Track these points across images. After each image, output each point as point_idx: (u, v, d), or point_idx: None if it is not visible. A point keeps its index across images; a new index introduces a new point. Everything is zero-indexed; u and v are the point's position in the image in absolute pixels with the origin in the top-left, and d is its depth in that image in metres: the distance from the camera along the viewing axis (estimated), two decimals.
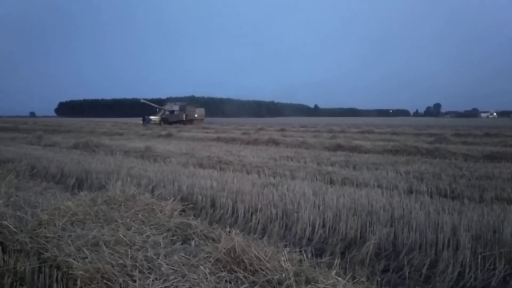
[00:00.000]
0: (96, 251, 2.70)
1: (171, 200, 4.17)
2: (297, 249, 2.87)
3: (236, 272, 2.42)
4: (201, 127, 30.38)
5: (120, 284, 2.31)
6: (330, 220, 3.94)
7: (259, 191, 4.96)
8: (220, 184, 5.42)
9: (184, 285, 2.22)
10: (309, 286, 2.19)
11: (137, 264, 2.48)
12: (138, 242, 2.88)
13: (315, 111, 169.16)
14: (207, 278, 2.29)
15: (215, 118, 67.11)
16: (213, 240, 3.10)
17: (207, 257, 2.61)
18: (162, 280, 2.28)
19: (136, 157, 9.16)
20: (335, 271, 2.37)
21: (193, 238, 3.17)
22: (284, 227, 3.97)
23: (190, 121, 38.64)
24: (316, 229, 3.82)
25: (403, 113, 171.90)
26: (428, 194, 5.19)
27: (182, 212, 4.05)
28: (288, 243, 3.28)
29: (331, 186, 5.45)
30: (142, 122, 36.53)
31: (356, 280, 2.41)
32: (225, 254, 2.56)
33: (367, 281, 2.51)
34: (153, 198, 4.17)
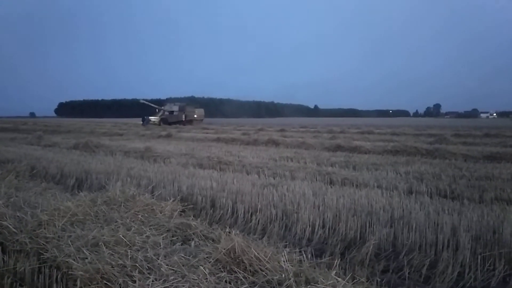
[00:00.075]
0: (96, 251, 2.70)
1: (171, 200, 4.17)
2: (297, 250, 2.87)
3: (236, 272, 2.42)
4: (201, 127, 30.37)
5: (120, 284, 2.31)
6: (330, 220, 3.94)
7: (259, 191, 4.96)
8: (220, 185, 5.42)
9: (184, 286, 2.22)
10: (308, 286, 2.19)
11: (137, 265, 2.48)
12: (138, 243, 2.88)
13: (315, 112, 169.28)
14: (207, 278, 2.29)
15: (215, 119, 67.15)
16: (213, 240, 3.10)
17: (207, 257, 2.61)
18: (162, 280, 2.28)
19: (136, 158, 9.16)
20: (334, 272, 2.37)
21: (193, 239, 3.17)
22: (284, 227, 3.97)
23: (189, 121, 38.65)
24: (316, 230, 3.82)
25: (403, 113, 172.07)
26: (428, 194, 5.19)
27: (182, 213, 4.05)
28: (288, 243, 3.28)
29: (331, 187, 5.45)
30: (141, 122, 36.57)
31: (356, 280, 2.41)
32: (225, 255, 2.56)
33: (367, 281, 2.51)
34: (153, 198, 4.17)
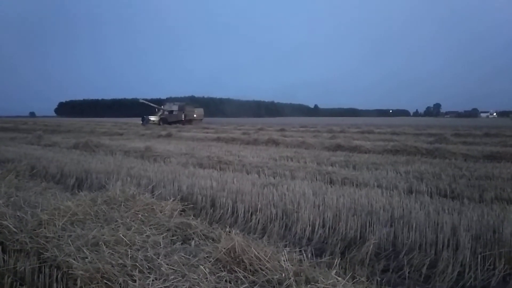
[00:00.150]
0: (96, 251, 2.70)
1: (171, 200, 4.17)
2: (297, 249, 2.87)
3: (236, 272, 2.42)
4: (201, 127, 30.37)
5: (120, 284, 2.31)
6: (330, 220, 3.94)
7: (259, 191, 4.96)
8: (220, 184, 5.42)
9: (184, 285, 2.22)
10: (309, 286, 2.19)
11: (137, 264, 2.48)
12: (138, 242, 2.87)
13: (315, 111, 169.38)
14: (207, 278, 2.29)
15: (215, 118, 67.15)
16: (213, 240, 3.10)
17: (207, 257, 2.61)
18: (162, 280, 2.28)
19: (136, 157, 9.16)
20: (335, 271, 2.37)
21: (193, 238, 3.17)
22: (284, 227, 3.97)
23: (189, 121, 38.63)
24: (316, 229, 3.82)
25: (403, 113, 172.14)
26: (428, 194, 5.19)
27: (182, 212, 4.05)
28: (288, 243, 3.28)
29: (331, 186, 5.45)
30: (141, 122, 36.57)
31: (356, 280, 2.41)
32: (225, 254, 2.56)
33: (367, 281, 2.51)
34: (153, 198, 4.17)
